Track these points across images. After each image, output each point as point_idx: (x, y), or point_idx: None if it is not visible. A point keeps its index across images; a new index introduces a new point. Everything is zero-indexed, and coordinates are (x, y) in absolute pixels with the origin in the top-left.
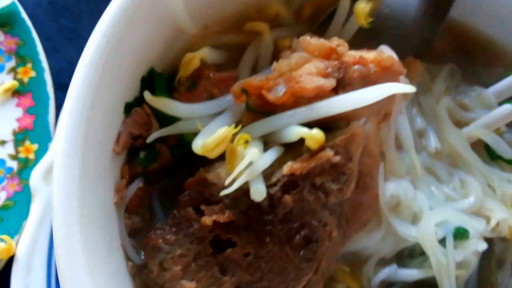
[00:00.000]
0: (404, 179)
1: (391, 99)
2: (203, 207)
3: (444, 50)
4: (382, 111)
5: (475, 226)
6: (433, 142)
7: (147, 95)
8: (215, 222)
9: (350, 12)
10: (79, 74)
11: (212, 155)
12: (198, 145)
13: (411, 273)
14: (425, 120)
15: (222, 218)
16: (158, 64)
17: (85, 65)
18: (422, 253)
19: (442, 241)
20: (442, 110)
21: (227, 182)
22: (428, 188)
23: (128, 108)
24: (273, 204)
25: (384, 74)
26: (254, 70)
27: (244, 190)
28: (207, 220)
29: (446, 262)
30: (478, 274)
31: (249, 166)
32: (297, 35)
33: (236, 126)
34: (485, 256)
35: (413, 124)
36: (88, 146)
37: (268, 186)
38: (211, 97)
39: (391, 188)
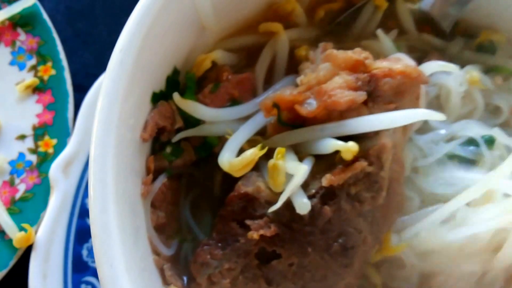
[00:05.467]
0: None
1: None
2: (248, 222)
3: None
4: None
5: None
6: None
7: (176, 96)
8: (261, 236)
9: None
10: (115, 58)
11: (238, 174)
12: (225, 163)
13: None
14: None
15: (268, 232)
16: (179, 62)
17: (121, 50)
18: None
19: None
20: None
21: (280, 203)
22: None
23: (155, 99)
24: (314, 216)
25: (410, 84)
26: (269, 71)
27: (286, 203)
28: (255, 234)
29: None
30: None
31: (289, 180)
32: (310, 37)
33: (259, 134)
34: None
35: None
36: (121, 128)
37: (308, 198)
38: (231, 98)
39: None
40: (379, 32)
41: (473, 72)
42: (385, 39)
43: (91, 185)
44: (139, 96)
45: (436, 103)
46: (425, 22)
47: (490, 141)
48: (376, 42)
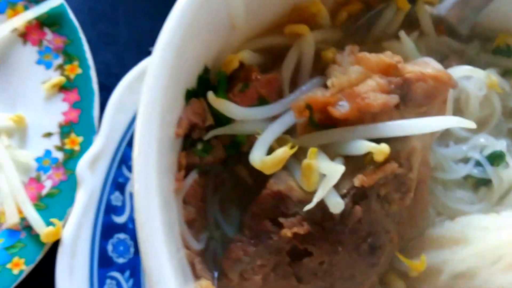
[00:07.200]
0: None
1: (442, 112)
2: (281, 219)
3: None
4: None
5: None
6: None
7: (210, 94)
8: (294, 234)
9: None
10: (157, 55)
11: (269, 172)
12: (257, 160)
13: None
14: None
15: (301, 230)
16: (209, 61)
17: (163, 48)
18: None
19: None
20: None
21: (315, 201)
22: None
23: (188, 96)
24: (344, 215)
25: (440, 88)
26: (294, 72)
27: (317, 202)
28: (288, 232)
29: None
30: None
31: (322, 180)
32: (333, 39)
33: (287, 133)
34: None
35: None
36: (162, 123)
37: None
38: (260, 97)
39: None
40: (402, 34)
41: (492, 76)
42: (407, 41)
43: (136, 177)
44: (175, 93)
45: (455, 107)
46: (441, 24)
47: (495, 158)
48: (397, 44)
